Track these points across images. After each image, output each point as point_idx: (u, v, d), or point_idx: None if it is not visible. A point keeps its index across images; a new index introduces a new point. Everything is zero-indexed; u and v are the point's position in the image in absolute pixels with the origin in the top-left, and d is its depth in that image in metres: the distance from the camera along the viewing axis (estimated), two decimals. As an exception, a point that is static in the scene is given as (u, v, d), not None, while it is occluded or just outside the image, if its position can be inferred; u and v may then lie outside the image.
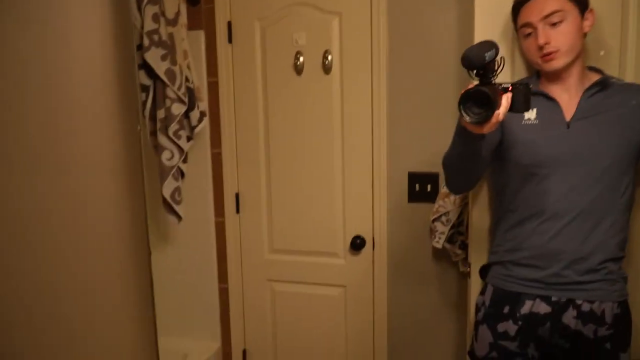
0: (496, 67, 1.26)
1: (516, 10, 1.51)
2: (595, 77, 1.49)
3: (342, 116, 2.17)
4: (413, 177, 2.12)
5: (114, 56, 0.89)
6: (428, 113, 2.08)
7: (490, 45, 1.24)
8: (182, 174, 2.20)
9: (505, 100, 1.24)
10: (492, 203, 1.71)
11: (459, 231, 1.99)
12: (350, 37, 2.12)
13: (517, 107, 1.28)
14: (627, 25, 1.61)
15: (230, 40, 2.28)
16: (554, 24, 1.41)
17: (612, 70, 1.58)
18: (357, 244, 2.21)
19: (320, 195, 2.25)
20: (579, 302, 1.46)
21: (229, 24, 2.26)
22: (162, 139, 2.08)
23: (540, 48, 1.43)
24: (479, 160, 1.45)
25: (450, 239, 1.99)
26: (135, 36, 1.93)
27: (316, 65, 2.17)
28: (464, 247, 1.98)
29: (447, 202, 1.96)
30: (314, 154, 2.23)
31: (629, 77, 1.60)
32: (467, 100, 1.23)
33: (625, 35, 1.62)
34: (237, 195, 2.36)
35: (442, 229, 1.98)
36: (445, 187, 1.93)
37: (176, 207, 2.14)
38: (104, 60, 0.88)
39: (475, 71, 1.25)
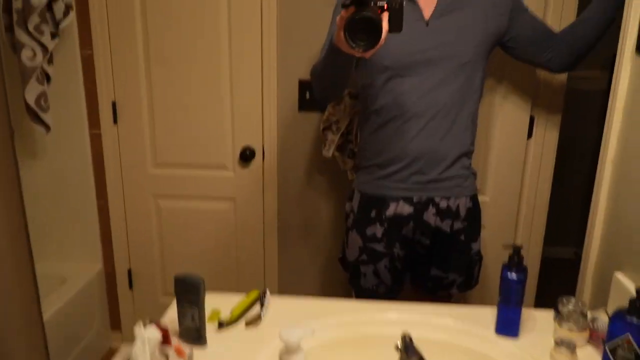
0: None
1: None
2: None
3: (230, 19, 2.03)
4: (304, 85, 2.07)
5: None
6: (318, 22, 2.00)
7: None
8: (48, 78, 1.94)
9: (386, 22, 1.17)
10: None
11: (348, 139, 2.00)
12: None
13: (394, 27, 1.23)
14: None
15: None
16: None
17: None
18: (247, 155, 2.14)
19: (207, 105, 2.12)
20: (437, 200, 1.55)
21: None
22: (21, 35, 1.81)
23: None
24: (349, 69, 1.42)
25: (339, 147, 2.00)
26: None
27: (200, -41, 1.98)
28: (353, 155, 2.00)
29: (336, 110, 1.95)
30: (200, 59, 2.08)
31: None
32: (352, 27, 1.14)
33: None
34: (113, 104, 2.16)
35: (332, 138, 1.98)
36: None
37: (43, 115, 1.91)
38: None
39: None
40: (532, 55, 1.60)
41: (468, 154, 1.58)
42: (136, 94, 2.14)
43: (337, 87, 1.52)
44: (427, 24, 1.48)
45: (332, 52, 1.33)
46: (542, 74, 1.88)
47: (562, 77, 1.89)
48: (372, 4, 1.17)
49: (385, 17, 1.18)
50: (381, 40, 1.16)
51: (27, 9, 1.76)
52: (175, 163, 2.21)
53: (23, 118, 1.95)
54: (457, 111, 1.50)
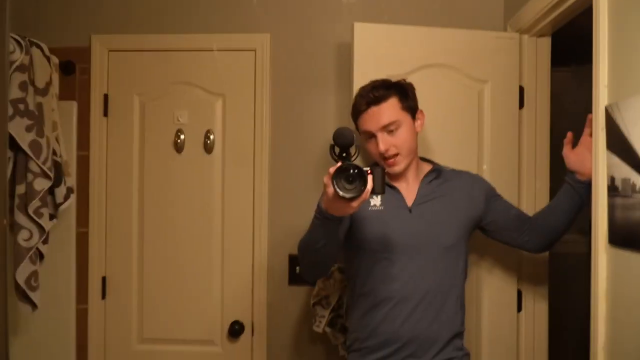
0: (355, 152, 1.36)
1: (354, 118, 1.63)
2: (427, 167, 1.67)
3: (223, 197, 2.13)
4: (294, 260, 2.10)
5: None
6: (309, 196, 2.10)
7: (351, 130, 1.35)
8: (42, 256, 1.97)
9: (370, 180, 1.28)
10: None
11: (339, 314, 1.98)
12: (233, 119, 2.13)
13: (376, 188, 1.33)
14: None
15: (105, 114, 2.17)
16: (391, 131, 1.54)
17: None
18: (236, 330, 2.10)
19: (197, 279, 2.14)
20: None
21: (105, 97, 2.17)
22: (20, 217, 1.86)
23: (382, 153, 1.55)
24: (336, 244, 1.48)
25: (330, 323, 1.98)
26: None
27: (197, 144, 2.14)
28: (344, 330, 1.97)
29: (327, 285, 1.96)
30: (192, 235, 2.14)
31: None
32: (340, 175, 1.26)
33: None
34: (103, 279, 2.16)
35: (323, 313, 1.97)
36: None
37: (31, 294, 1.89)
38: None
39: (338, 152, 1.33)
40: (509, 238, 1.69)
41: (459, 334, 1.58)
42: (127, 268, 2.15)
43: (325, 260, 1.53)
44: (410, 210, 1.57)
45: (320, 218, 1.38)
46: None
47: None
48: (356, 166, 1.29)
49: (369, 177, 1.28)
50: (366, 191, 1.25)
51: (30, 193, 1.84)
52: (161, 339, 2.15)
53: (9, 294, 1.93)
54: (444, 296, 1.53)
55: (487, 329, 1.93)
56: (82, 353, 2.15)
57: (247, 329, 2.12)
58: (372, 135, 1.56)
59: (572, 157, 1.58)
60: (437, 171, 1.64)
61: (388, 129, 1.53)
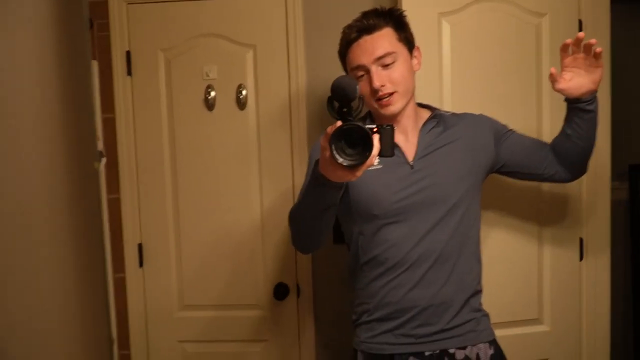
0: (359, 107, 1.12)
1: (343, 51, 1.45)
2: (425, 114, 1.49)
3: (260, 154, 2.01)
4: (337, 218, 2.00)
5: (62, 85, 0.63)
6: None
7: (354, 80, 1.13)
8: (75, 225, 1.87)
9: (377, 141, 1.08)
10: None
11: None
12: (266, 71, 1.99)
13: (384, 151, 1.12)
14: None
15: (129, 73, 2.03)
16: (386, 66, 1.37)
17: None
18: (281, 292, 2.02)
19: (237, 242, 2.04)
20: (451, 351, 1.39)
21: (128, 54, 2.02)
22: (50, 185, 1.76)
23: (375, 91, 1.37)
24: (334, 214, 1.30)
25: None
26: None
27: (229, 100, 2.00)
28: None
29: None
30: (229, 197, 2.03)
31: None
32: (340, 138, 1.05)
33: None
34: (139, 247, 2.07)
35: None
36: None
37: (68, 265, 1.81)
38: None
39: (338, 107, 1.10)
40: (534, 175, 1.54)
41: (476, 294, 1.45)
42: (163, 235, 2.06)
43: (321, 229, 1.35)
44: (411, 166, 1.41)
45: (314, 185, 1.20)
46: (585, 191, 1.83)
47: (606, 192, 1.84)
48: (360, 123, 1.08)
49: (376, 138, 1.08)
50: (371, 157, 1.05)
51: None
52: (203, 305, 2.07)
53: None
54: (457, 254, 1.39)
55: (548, 278, 1.83)
56: (122, 322, 2.09)
57: (293, 291, 2.04)
58: (363, 72, 1.38)
59: (567, 88, 1.39)
60: (437, 117, 1.46)
61: (383, 62, 1.36)
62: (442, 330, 1.38)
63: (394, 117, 1.42)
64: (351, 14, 1.97)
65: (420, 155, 1.41)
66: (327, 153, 1.06)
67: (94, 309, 0.65)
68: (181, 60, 2.01)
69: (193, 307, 2.08)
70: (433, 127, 1.45)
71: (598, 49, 1.33)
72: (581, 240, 1.85)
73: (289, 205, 2.00)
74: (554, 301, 1.83)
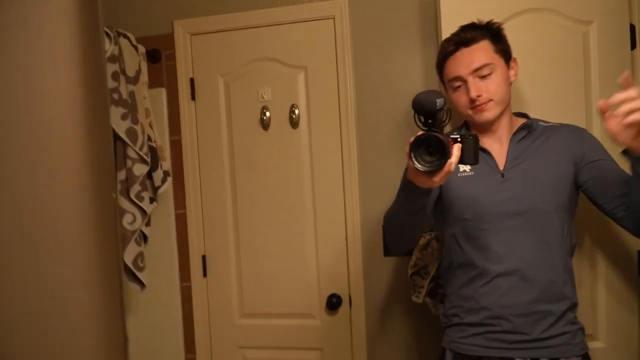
0: (444, 118, 1.21)
1: (441, 63, 1.49)
2: (520, 123, 1.49)
3: (312, 170, 2.12)
4: (388, 230, 2.05)
5: (87, 109, 0.76)
6: (400, 163, 2.04)
7: (439, 93, 1.20)
8: (145, 238, 2.07)
9: (457, 150, 1.18)
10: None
11: (439, 284, 1.91)
12: (316, 90, 2.10)
13: (467, 158, 1.22)
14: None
15: (193, 97, 2.22)
16: (483, 77, 1.40)
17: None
18: (333, 303, 2.10)
19: (292, 254, 2.15)
20: None
21: (192, 81, 2.21)
22: (123, 202, 1.96)
23: (472, 101, 1.41)
24: (423, 217, 1.38)
25: (430, 293, 1.91)
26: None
27: (283, 119, 2.12)
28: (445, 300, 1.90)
29: (424, 255, 1.90)
30: (285, 210, 2.15)
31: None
32: (419, 146, 1.16)
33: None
34: (203, 258, 2.24)
35: (422, 283, 1.90)
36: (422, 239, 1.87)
37: (139, 274, 2.00)
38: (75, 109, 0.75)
39: (423, 119, 1.19)
40: (605, 212, 1.43)
41: (572, 307, 1.43)
42: (224, 247, 2.21)
43: (412, 232, 1.45)
44: (502, 175, 1.43)
45: (404, 189, 1.31)
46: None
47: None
48: (444, 134, 1.18)
49: (457, 147, 1.18)
50: (448, 164, 1.14)
51: (130, 179, 1.93)
52: (261, 313, 2.20)
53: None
54: (550, 266, 1.39)
55: (603, 292, 1.77)
56: (188, 328, 2.25)
57: (345, 302, 2.11)
58: (460, 83, 1.43)
59: (618, 133, 1.14)
60: (528, 127, 1.47)
61: (480, 73, 1.40)
62: (536, 340, 1.38)
63: (490, 126, 1.47)
64: (397, 32, 2.03)
65: (510, 164, 1.44)
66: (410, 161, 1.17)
67: (112, 309, 0.77)
68: (238, 84, 2.16)
69: (252, 315, 2.21)
70: (523, 138, 1.46)
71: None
72: (639, 253, 1.77)
73: (341, 219, 2.08)
74: (609, 316, 1.76)
